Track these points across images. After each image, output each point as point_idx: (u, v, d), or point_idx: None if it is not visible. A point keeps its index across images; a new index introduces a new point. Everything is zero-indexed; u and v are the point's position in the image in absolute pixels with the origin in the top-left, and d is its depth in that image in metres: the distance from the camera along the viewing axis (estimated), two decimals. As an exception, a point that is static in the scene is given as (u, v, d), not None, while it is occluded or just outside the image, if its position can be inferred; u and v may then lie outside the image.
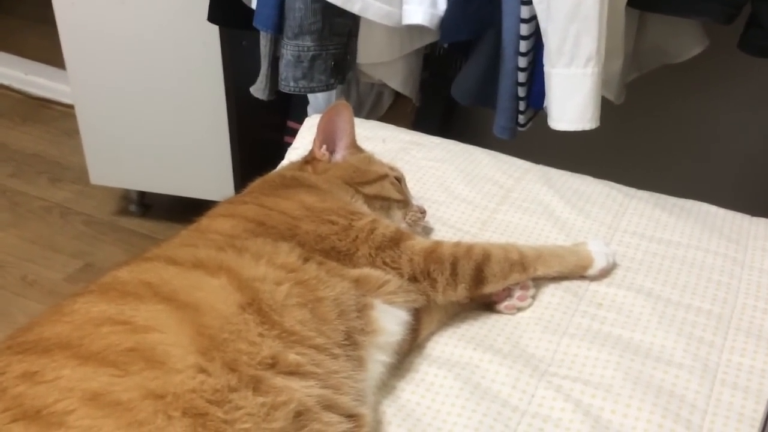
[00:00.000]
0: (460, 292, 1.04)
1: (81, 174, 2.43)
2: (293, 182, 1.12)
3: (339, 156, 1.18)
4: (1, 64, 3.20)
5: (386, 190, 1.16)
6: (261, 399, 0.76)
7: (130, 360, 0.74)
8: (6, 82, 3.14)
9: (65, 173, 2.66)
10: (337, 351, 0.87)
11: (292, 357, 0.82)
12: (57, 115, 2.97)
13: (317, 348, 0.85)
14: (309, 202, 1.04)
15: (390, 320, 0.98)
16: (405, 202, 1.18)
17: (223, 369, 0.76)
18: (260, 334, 0.81)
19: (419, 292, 1.02)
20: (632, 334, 1.05)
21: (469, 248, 1.05)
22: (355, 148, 1.20)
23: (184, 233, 1.01)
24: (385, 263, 1.01)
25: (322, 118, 1.17)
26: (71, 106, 2.29)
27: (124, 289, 0.84)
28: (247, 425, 0.73)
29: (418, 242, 1.05)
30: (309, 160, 1.19)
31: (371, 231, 1.02)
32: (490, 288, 1.05)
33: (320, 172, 1.15)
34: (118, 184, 2.44)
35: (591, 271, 1.13)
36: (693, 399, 0.96)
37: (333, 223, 1.02)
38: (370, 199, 1.13)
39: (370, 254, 1.01)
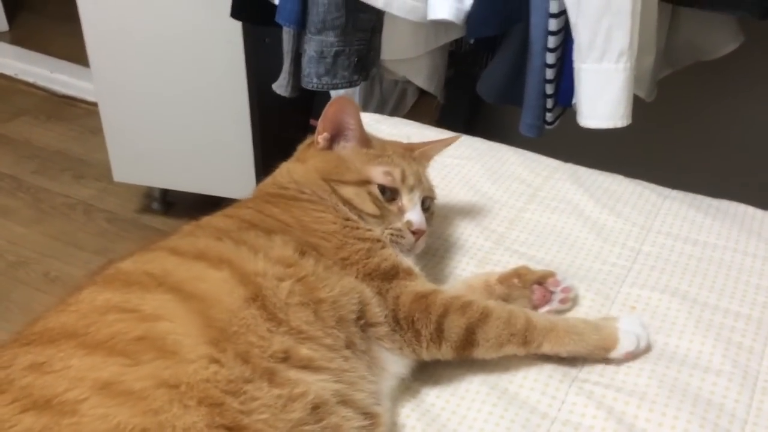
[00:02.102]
0: (445, 352, 0.92)
1: (105, 171, 2.44)
2: (284, 192, 1.04)
3: (340, 147, 1.07)
4: (27, 62, 3.23)
5: (359, 198, 1.01)
6: (277, 391, 0.74)
7: (140, 349, 0.73)
8: (31, 80, 3.16)
9: (89, 170, 2.67)
10: (346, 353, 0.85)
11: (305, 352, 0.80)
12: (82, 113, 2.98)
13: (328, 347, 0.83)
14: (305, 221, 0.98)
15: (391, 361, 0.92)
16: (381, 218, 1.02)
17: (236, 360, 0.75)
18: (269, 330, 0.80)
19: (405, 342, 0.92)
20: (667, 339, 1.01)
21: (468, 303, 0.93)
22: (360, 142, 1.06)
23: (185, 227, 0.98)
24: (372, 290, 0.93)
25: (327, 107, 1.06)
26: (96, 104, 2.30)
27: (128, 279, 0.83)
28: (264, 416, 0.72)
29: (416, 284, 0.95)
30: (310, 143, 1.10)
31: (365, 257, 0.95)
32: (480, 354, 0.93)
33: (306, 158, 1.07)
34: (140, 182, 2.44)
35: (614, 354, 0.96)
36: (732, 408, 0.91)
37: (326, 240, 0.96)
38: (344, 201, 1.01)
39: (356, 276, 0.93)
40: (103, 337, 0.74)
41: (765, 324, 1.03)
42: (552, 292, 1.04)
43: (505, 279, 1.05)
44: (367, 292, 0.92)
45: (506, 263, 1.16)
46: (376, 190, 1.02)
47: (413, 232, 1.02)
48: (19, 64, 3.22)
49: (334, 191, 1.02)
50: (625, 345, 0.95)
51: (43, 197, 2.54)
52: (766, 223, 1.23)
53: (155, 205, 2.48)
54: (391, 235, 1.01)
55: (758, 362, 0.97)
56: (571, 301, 1.05)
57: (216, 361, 0.74)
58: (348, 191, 1.02)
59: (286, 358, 0.78)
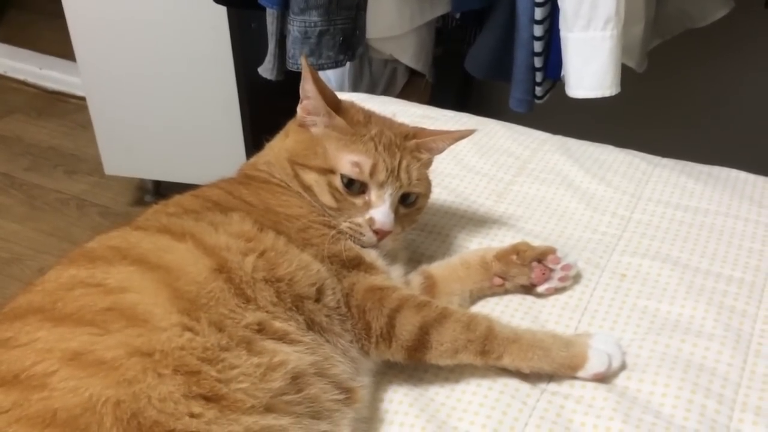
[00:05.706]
0: (395, 352, 0.86)
1: (97, 166, 2.43)
2: (257, 174, 1.00)
3: (317, 120, 0.98)
4: (16, 59, 3.21)
5: (318, 187, 0.94)
6: (256, 359, 0.73)
7: (109, 319, 0.71)
8: (21, 77, 3.15)
9: (81, 165, 2.66)
10: (312, 335, 0.82)
11: (278, 324, 0.79)
12: (72, 108, 2.97)
13: (296, 327, 0.81)
14: (271, 204, 0.94)
15: (355, 351, 0.87)
16: (338, 210, 0.95)
17: (211, 328, 0.73)
18: (238, 305, 0.77)
19: (355, 337, 0.87)
20: (658, 305, 0.99)
21: (425, 302, 0.88)
22: (329, 117, 0.96)
23: (153, 206, 0.96)
24: (330, 272, 0.89)
25: None
26: (86, 99, 2.28)
27: (92, 255, 0.81)
28: (243, 385, 0.70)
29: (376, 278, 0.90)
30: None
31: (329, 242, 0.90)
32: (433, 358, 0.87)
33: (289, 133, 1.02)
34: (132, 174, 2.43)
35: (581, 374, 0.89)
36: (725, 372, 0.89)
37: (290, 222, 0.92)
38: (305, 188, 0.96)
39: (316, 257, 0.88)
40: (70, 310, 0.72)
41: (758, 287, 1.01)
42: (552, 270, 1.00)
43: (502, 256, 1.01)
44: (324, 272, 0.88)
45: (494, 236, 1.14)
46: (337, 182, 0.94)
47: (375, 231, 0.94)
48: (8, 62, 3.20)
49: (297, 176, 0.96)
50: (593, 365, 0.88)
51: (36, 194, 2.53)
52: (759, 187, 1.21)
53: (148, 198, 2.47)
54: (350, 228, 0.94)
55: (751, 325, 0.96)
56: (571, 279, 1.02)
57: (190, 329, 0.72)
58: (310, 177, 0.95)
59: (260, 329, 0.77)
